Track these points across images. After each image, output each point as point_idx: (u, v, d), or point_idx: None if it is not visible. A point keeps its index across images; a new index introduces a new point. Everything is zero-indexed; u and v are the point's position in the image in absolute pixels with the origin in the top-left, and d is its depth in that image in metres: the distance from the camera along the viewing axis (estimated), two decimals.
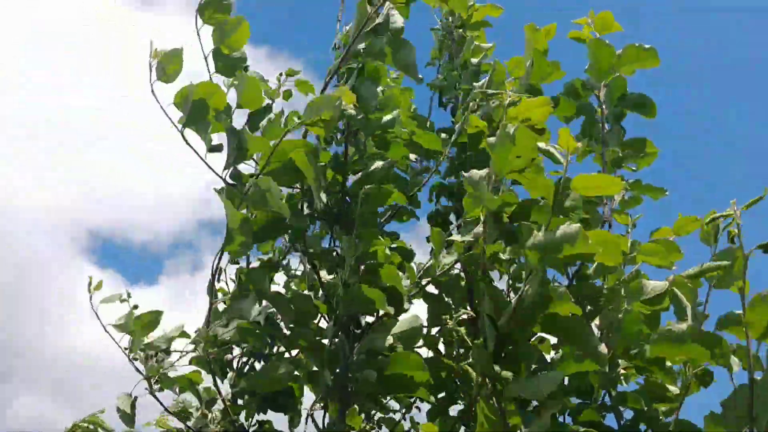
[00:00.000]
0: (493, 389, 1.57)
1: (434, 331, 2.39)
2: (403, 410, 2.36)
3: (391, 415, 2.32)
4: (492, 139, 1.64)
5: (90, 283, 1.85)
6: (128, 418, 1.89)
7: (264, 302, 1.75)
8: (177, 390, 1.97)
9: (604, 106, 2.75)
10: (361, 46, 1.77)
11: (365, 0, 1.83)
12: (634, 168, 2.77)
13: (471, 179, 1.73)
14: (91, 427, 2.10)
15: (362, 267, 2.00)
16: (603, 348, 1.54)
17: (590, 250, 1.48)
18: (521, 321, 1.54)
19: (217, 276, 1.66)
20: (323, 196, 1.86)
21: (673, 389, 2.03)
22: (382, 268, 2.00)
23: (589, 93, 2.79)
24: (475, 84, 2.76)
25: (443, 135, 2.69)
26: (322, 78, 2.46)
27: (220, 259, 1.63)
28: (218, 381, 1.91)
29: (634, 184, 2.73)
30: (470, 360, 1.67)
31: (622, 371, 2.19)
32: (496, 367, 1.52)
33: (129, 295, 1.97)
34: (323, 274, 2.20)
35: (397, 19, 1.88)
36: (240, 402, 2.19)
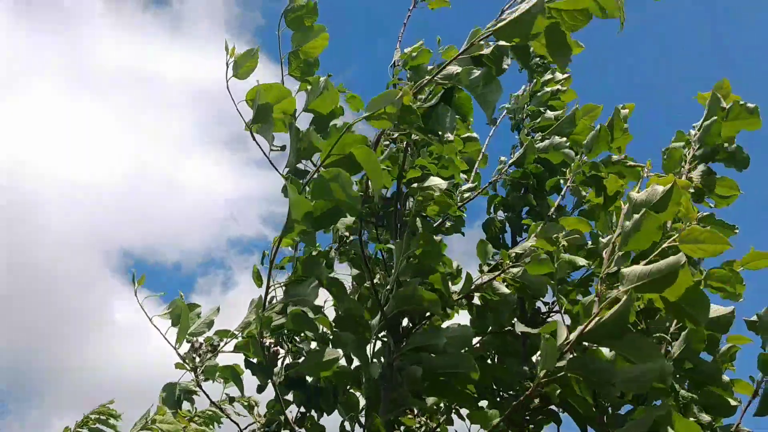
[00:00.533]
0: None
1: (475, 341, 2.42)
2: (443, 417, 2.33)
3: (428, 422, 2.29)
4: (638, 195, 1.62)
5: (134, 276, 1.84)
6: (173, 403, 1.89)
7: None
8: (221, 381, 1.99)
9: (694, 145, 2.69)
10: (456, 69, 1.78)
11: (478, 30, 1.83)
12: (712, 204, 2.72)
13: None
14: (102, 417, 2.12)
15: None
16: (669, 370, 1.48)
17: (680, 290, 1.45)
18: (596, 333, 1.51)
19: (272, 264, 1.66)
20: (383, 192, 1.86)
21: (732, 402, 1.99)
22: (433, 274, 2.00)
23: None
24: (548, 111, 2.80)
25: (502, 158, 2.75)
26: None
27: (278, 245, 1.64)
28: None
29: (706, 218, 2.67)
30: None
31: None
32: None
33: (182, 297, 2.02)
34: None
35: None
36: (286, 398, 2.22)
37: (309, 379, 2.23)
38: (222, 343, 2.11)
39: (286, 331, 2.17)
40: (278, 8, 2.19)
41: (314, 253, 1.92)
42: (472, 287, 2.17)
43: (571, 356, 1.55)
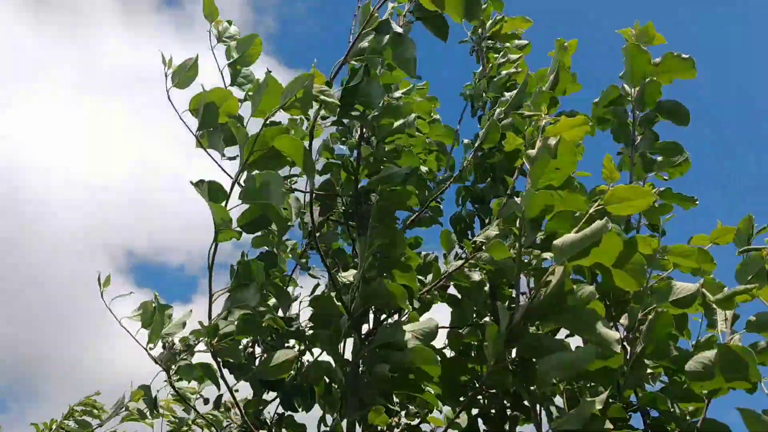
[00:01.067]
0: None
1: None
2: (422, 412, 2.27)
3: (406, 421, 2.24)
4: (532, 152, 1.59)
5: (99, 279, 1.81)
6: (149, 407, 1.87)
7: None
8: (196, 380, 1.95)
9: (636, 110, 2.65)
10: (365, 44, 1.74)
11: (369, 0, 1.80)
12: (666, 177, 2.67)
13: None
14: (87, 408, 2.11)
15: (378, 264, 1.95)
16: (615, 337, 1.42)
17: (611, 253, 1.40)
18: (539, 311, 1.46)
19: (210, 270, 1.61)
20: (321, 181, 1.79)
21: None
22: (396, 267, 1.94)
23: (623, 100, 2.71)
24: (506, 94, 2.71)
25: (465, 141, 2.65)
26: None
27: (215, 252, 1.59)
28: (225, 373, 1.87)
29: (664, 193, 2.60)
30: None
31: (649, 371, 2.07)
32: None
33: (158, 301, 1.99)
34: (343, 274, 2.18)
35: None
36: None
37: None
38: (197, 343, 2.08)
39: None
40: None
41: (247, 259, 1.86)
42: (442, 276, 2.12)
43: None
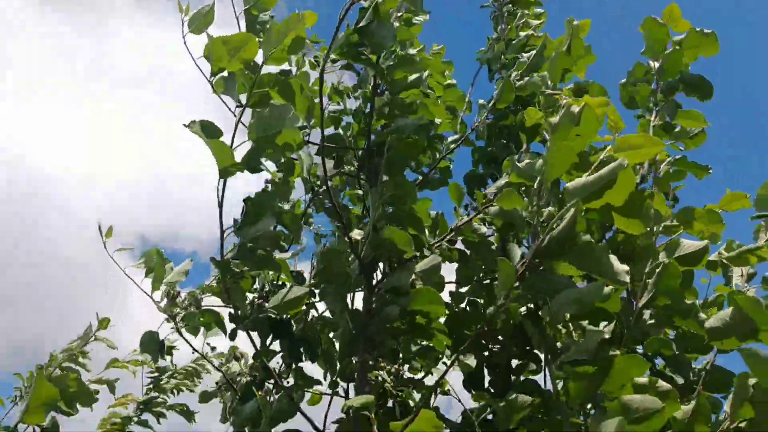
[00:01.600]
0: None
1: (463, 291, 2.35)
2: (428, 365, 2.26)
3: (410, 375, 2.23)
4: (554, 119, 1.58)
5: (99, 228, 1.80)
6: (154, 353, 1.86)
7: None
8: (202, 329, 1.95)
9: (658, 80, 2.61)
10: None
11: None
12: (682, 147, 2.64)
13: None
14: (73, 355, 2.10)
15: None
16: (623, 270, 1.41)
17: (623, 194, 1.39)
18: (549, 250, 1.46)
19: (221, 207, 1.60)
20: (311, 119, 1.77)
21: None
22: (406, 218, 1.94)
23: (649, 76, 2.67)
24: (523, 55, 2.68)
25: (481, 101, 2.63)
26: None
27: (224, 188, 1.58)
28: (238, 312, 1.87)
29: (679, 161, 2.58)
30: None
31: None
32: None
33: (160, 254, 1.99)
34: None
35: None
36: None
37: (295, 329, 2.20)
38: (202, 298, 2.09)
39: (268, 282, 2.13)
40: None
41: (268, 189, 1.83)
42: (451, 229, 2.11)
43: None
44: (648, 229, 1.47)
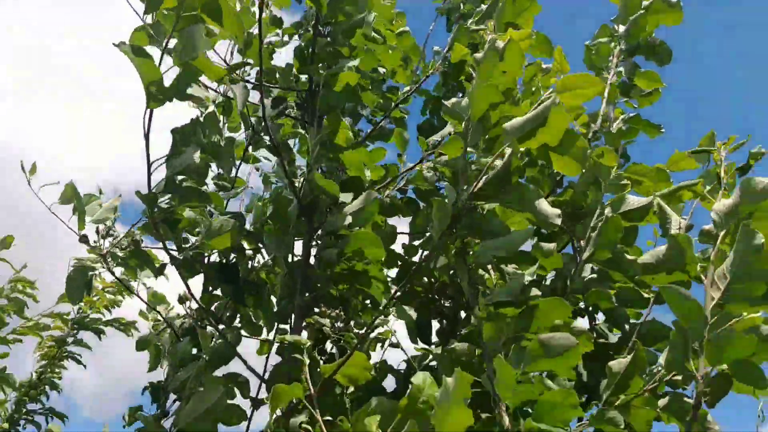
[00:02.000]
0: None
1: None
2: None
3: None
4: (478, 55, 1.52)
5: (22, 166, 1.68)
6: (75, 292, 1.77)
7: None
8: (136, 269, 1.88)
9: (621, 42, 2.59)
10: None
11: None
12: (635, 105, 2.64)
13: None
14: (20, 287, 2.04)
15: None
16: (554, 213, 1.38)
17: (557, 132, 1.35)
18: (485, 191, 1.42)
19: (147, 138, 1.51)
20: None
21: (646, 294, 1.90)
22: (343, 154, 1.87)
23: (613, 39, 2.65)
24: (482, 5, 2.61)
25: (436, 48, 2.56)
26: None
27: (150, 118, 1.49)
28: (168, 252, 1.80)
29: (632, 119, 2.58)
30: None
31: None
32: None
33: (101, 192, 1.89)
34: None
35: None
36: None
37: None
38: (142, 239, 2.01)
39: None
40: None
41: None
42: (396, 176, 2.05)
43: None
44: (584, 170, 1.43)
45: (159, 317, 2.15)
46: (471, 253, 1.46)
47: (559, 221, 1.31)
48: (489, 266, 1.59)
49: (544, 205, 1.33)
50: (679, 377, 1.50)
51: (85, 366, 3.39)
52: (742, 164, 1.78)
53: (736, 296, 1.19)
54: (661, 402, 1.52)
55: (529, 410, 1.32)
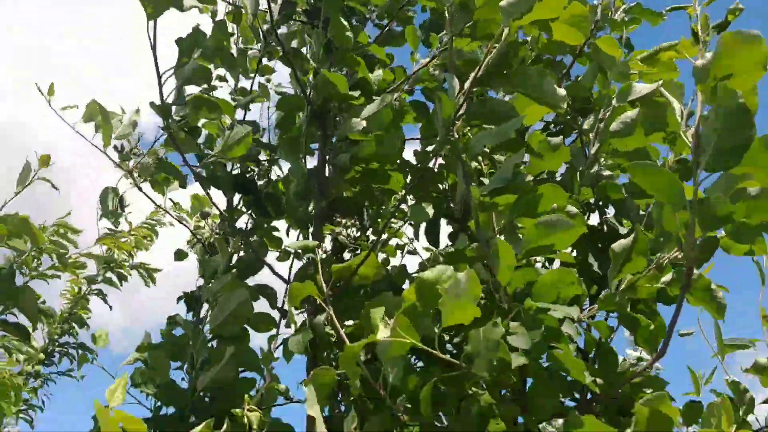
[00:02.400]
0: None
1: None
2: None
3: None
4: None
5: (39, 88, 1.73)
6: (112, 214, 1.82)
7: None
8: (164, 186, 1.94)
9: None
10: None
11: None
12: None
13: None
14: (62, 231, 2.11)
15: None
16: (561, 94, 1.38)
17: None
18: (487, 75, 1.42)
19: (154, 50, 1.53)
20: None
21: None
22: (348, 55, 1.87)
23: None
24: None
25: None
26: None
27: (155, 27, 1.51)
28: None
29: (633, 8, 2.51)
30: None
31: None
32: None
33: (123, 111, 1.93)
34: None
35: None
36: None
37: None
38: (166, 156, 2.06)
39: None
40: None
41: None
42: (408, 76, 2.04)
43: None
44: (587, 36, 1.41)
45: (200, 224, 2.23)
46: (462, 145, 1.47)
47: (565, 103, 1.31)
48: (481, 158, 1.60)
49: (550, 85, 1.32)
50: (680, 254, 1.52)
51: (111, 307, 3.59)
52: (720, 21, 1.75)
53: (720, 157, 1.16)
54: (666, 278, 1.55)
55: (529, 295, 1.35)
